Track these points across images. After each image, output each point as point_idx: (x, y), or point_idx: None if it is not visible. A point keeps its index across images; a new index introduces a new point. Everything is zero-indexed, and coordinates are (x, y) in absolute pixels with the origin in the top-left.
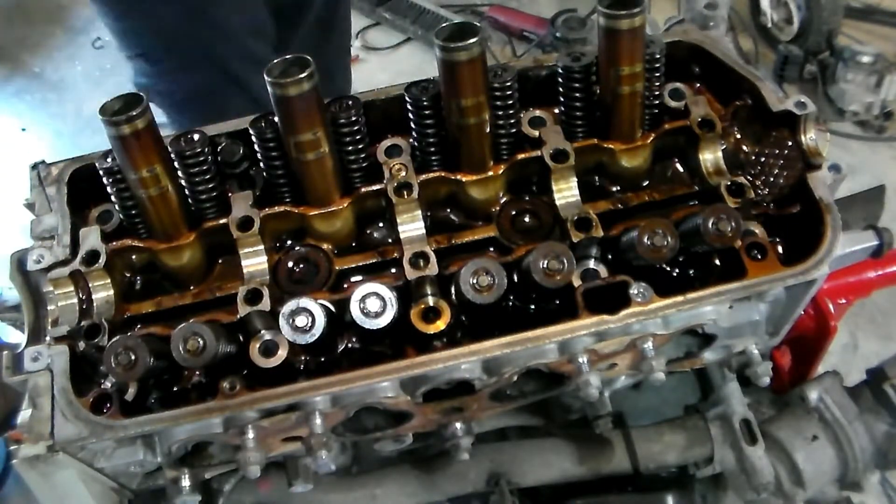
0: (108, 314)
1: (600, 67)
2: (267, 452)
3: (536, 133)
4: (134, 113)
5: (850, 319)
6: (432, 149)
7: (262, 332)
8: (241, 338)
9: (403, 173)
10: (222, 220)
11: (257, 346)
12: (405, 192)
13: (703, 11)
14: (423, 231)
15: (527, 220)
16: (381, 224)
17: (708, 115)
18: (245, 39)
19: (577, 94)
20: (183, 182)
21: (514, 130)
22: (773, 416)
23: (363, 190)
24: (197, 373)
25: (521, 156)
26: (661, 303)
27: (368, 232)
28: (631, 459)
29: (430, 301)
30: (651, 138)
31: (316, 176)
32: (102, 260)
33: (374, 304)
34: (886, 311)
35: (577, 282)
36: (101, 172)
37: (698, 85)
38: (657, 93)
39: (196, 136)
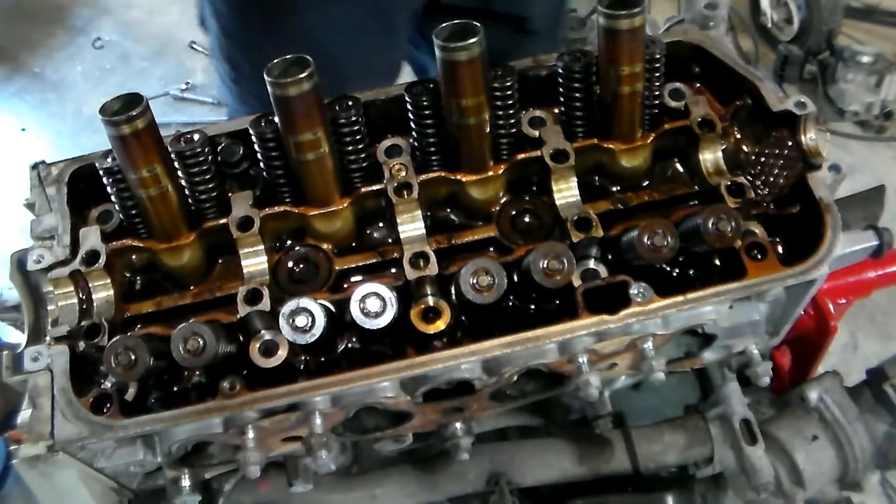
0: (108, 314)
1: (600, 67)
2: (267, 452)
3: (536, 133)
4: (134, 113)
5: (850, 319)
6: (432, 149)
7: (262, 332)
8: (241, 338)
9: (403, 173)
10: (222, 220)
11: (257, 346)
12: (405, 192)
13: (703, 11)
14: (423, 231)
15: (527, 220)
16: (381, 224)
17: (708, 115)
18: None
19: (577, 94)
20: (183, 182)
21: (514, 130)
22: (773, 416)
23: (363, 190)
24: (197, 373)
25: (521, 156)
26: (661, 303)
27: (368, 232)
28: (631, 459)
29: (430, 301)
30: (651, 138)
31: (316, 176)
32: (102, 260)
33: (374, 304)
34: (886, 311)
35: (577, 282)
36: (101, 172)
37: (698, 85)
38: (657, 93)
39: (196, 136)
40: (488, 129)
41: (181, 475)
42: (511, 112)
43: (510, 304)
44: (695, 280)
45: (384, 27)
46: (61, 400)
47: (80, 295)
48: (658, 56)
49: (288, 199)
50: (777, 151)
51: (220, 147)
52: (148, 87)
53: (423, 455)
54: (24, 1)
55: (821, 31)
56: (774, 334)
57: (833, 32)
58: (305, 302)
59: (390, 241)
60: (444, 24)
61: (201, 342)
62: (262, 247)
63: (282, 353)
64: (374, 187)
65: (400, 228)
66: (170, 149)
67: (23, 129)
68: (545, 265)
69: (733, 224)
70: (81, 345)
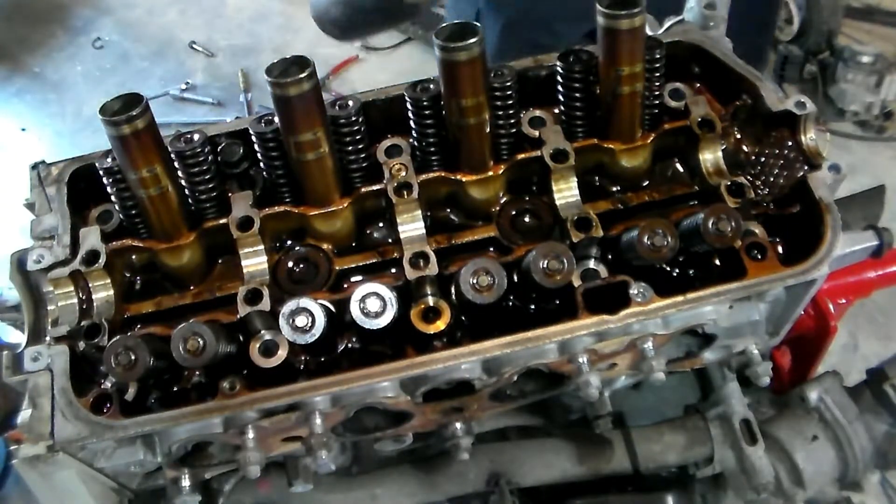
0: (108, 314)
1: (600, 67)
2: (267, 452)
3: (536, 133)
4: (134, 113)
5: (850, 319)
6: (432, 149)
7: (262, 332)
8: (241, 338)
9: (403, 173)
10: (222, 220)
11: (257, 346)
12: (405, 192)
13: (703, 11)
14: (423, 231)
15: (527, 220)
16: (381, 224)
17: (708, 115)
18: None
19: (577, 94)
20: (183, 182)
21: (513, 130)
22: (773, 416)
23: (363, 190)
24: (197, 373)
25: (521, 156)
26: (661, 303)
27: (368, 232)
28: (631, 459)
29: (430, 301)
30: (651, 138)
31: (316, 176)
32: (102, 260)
33: (374, 304)
34: (886, 311)
35: (577, 282)
36: (101, 172)
37: (698, 85)
38: (657, 93)
39: (196, 136)
40: (488, 129)
41: (181, 475)
42: (511, 112)
43: (510, 304)
44: (695, 280)
45: None
46: (61, 400)
47: (80, 295)
48: (658, 56)
49: (288, 199)
50: (777, 151)
51: (220, 147)
52: (148, 87)
53: (423, 455)
54: (24, 1)
55: (821, 31)
56: (774, 334)
57: (833, 32)
58: (305, 302)
59: (390, 241)
60: (444, 24)
61: (201, 342)
62: (262, 247)
63: (282, 353)
64: (374, 187)
65: (400, 228)
66: (170, 149)
67: (23, 129)
68: (545, 265)
69: (733, 224)
70: (81, 345)
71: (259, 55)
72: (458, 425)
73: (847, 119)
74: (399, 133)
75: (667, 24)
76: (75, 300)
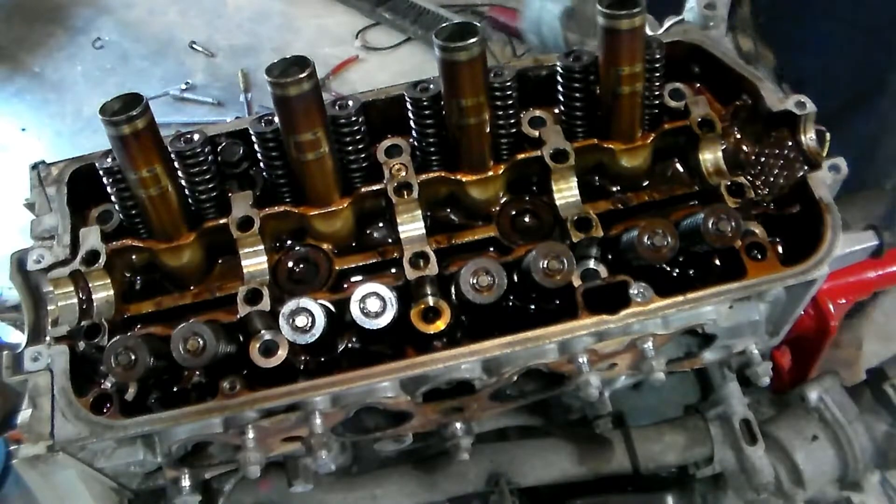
0: (108, 314)
1: (600, 67)
2: (267, 452)
3: (536, 133)
4: (134, 113)
5: None
6: (432, 149)
7: (262, 331)
8: (240, 338)
9: (403, 173)
10: (222, 220)
11: (257, 346)
12: (405, 192)
13: (703, 11)
14: (423, 231)
15: (527, 220)
16: (381, 224)
17: (708, 115)
18: None
19: (577, 94)
20: (183, 182)
21: (513, 130)
22: (773, 416)
23: (363, 190)
24: (197, 373)
25: (521, 156)
26: (661, 303)
27: (368, 232)
28: (631, 459)
29: (430, 301)
30: (651, 138)
31: (316, 176)
32: (102, 260)
33: (374, 304)
34: (886, 312)
35: (577, 282)
36: (101, 172)
37: (698, 85)
38: (657, 93)
39: (196, 136)
40: (488, 129)
41: (181, 475)
42: (511, 112)
43: (510, 303)
44: (695, 280)
45: None
46: (61, 400)
47: (80, 295)
48: (658, 56)
49: (288, 199)
50: (777, 151)
51: (220, 147)
52: (148, 87)
53: (423, 455)
54: (24, 1)
55: None
56: (774, 334)
57: None
58: (305, 302)
59: (390, 241)
60: (444, 25)
61: (201, 342)
62: (262, 247)
63: (282, 353)
64: (374, 187)
65: (400, 228)
66: (170, 148)
67: (23, 129)
68: (545, 265)
69: (733, 224)
70: (81, 345)
71: (259, 55)
72: (457, 425)
73: None
74: (399, 133)
75: (667, 24)
76: (75, 300)
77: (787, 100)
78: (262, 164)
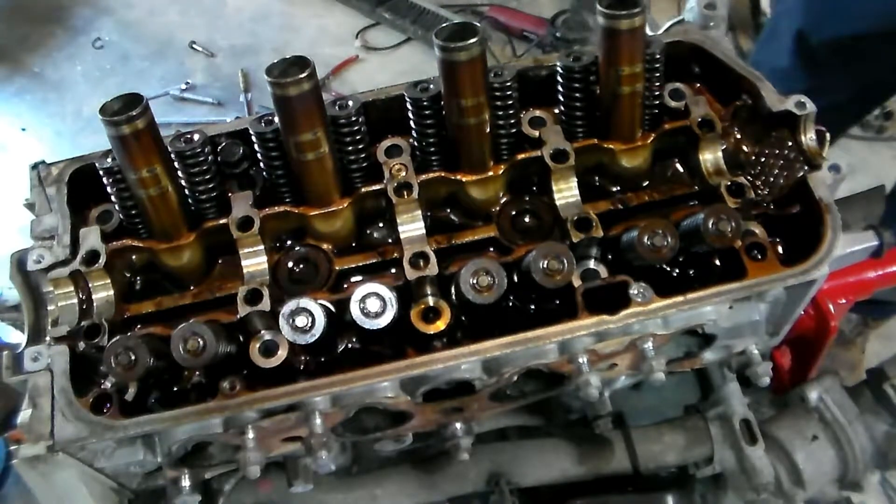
0: (108, 314)
1: (600, 68)
2: (267, 452)
3: (536, 133)
4: (134, 113)
5: None
6: (432, 149)
7: (262, 332)
8: (241, 338)
9: (403, 173)
10: (222, 220)
11: (257, 346)
12: (405, 192)
13: (703, 11)
14: (423, 231)
15: (527, 220)
16: (381, 224)
17: (708, 116)
18: None
19: (577, 95)
20: (183, 182)
21: (514, 130)
22: (773, 416)
23: (363, 190)
24: (197, 373)
25: (521, 156)
26: (661, 303)
27: (368, 232)
28: (631, 459)
29: (431, 301)
30: (651, 138)
31: (316, 176)
32: (102, 260)
33: (374, 304)
34: None
35: (577, 282)
36: (101, 172)
37: (698, 85)
38: (657, 93)
39: (196, 136)
40: (488, 129)
41: (181, 475)
42: (511, 112)
43: (510, 303)
44: (695, 280)
45: None
46: (61, 400)
47: (80, 295)
48: (658, 56)
49: (288, 199)
50: (777, 151)
51: (220, 147)
52: (148, 87)
53: (423, 455)
54: (24, 1)
55: None
56: (774, 334)
57: None
58: (305, 302)
59: (390, 241)
60: (444, 25)
61: (201, 342)
62: (262, 247)
63: (282, 353)
64: (374, 187)
65: (400, 229)
66: (170, 148)
67: (23, 129)
68: (545, 265)
69: (733, 224)
70: (81, 345)
71: (259, 55)
72: (457, 425)
73: None
74: (399, 133)
75: (667, 24)
76: (75, 300)
77: (787, 100)
78: (262, 164)
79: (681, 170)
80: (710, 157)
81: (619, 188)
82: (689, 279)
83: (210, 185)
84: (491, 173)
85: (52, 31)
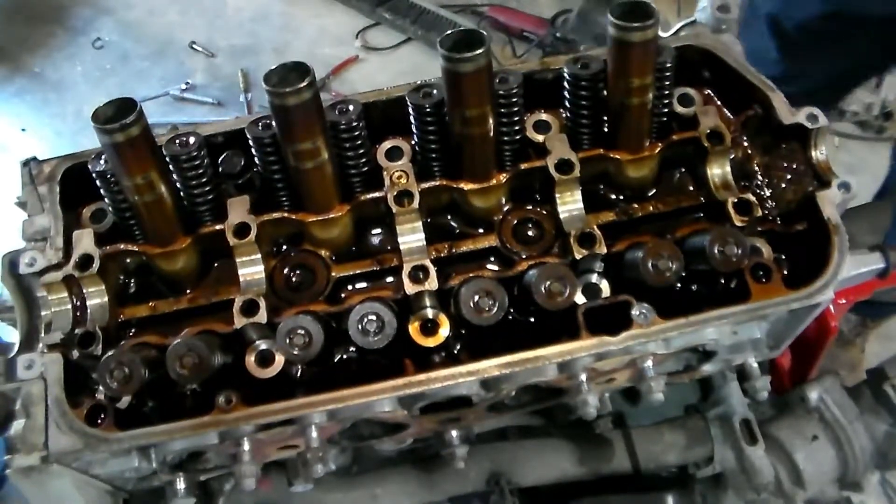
0: (102, 320)
1: (609, 78)
2: (263, 460)
3: (541, 138)
4: (128, 120)
5: None
6: (434, 154)
7: (258, 342)
8: (237, 347)
9: (404, 181)
10: (218, 227)
11: (253, 357)
12: (406, 201)
13: (715, 14)
14: (423, 242)
15: (529, 230)
16: (380, 230)
17: (717, 128)
18: None
19: (584, 103)
20: (178, 185)
21: (518, 137)
22: (773, 416)
23: (362, 198)
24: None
25: (524, 165)
26: (663, 325)
27: (367, 237)
28: (631, 459)
29: (430, 314)
30: (658, 148)
31: (315, 184)
32: (96, 265)
33: (372, 324)
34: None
35: (579, 297)
36: (94, 175)
37: (708, 91)
38: (666, 101)
39: (192, 139)
40: (492, 137)
41: (176, 479)
42: (516, 119)
43: (510, 316)
44: (698, 297)
45: None
46: (55, 410)
47: (74, 301)
48: (669, 64)
49: (286, 204)
50: (786, 164)
51: (221, 158)
52: (148, 87)
53: (423, 454)
54: (24, 1)
55: None
56: (775, 348)
57: None
58: (303, 320)
59: (389, 248)
60: (448, 33)
61: (196, 359)
62: (258, 255)
63: (277, 364)
64: (375, 195)
65: (400, 239)
66: (165, 151)
67: (23, 130)
68: (547, 287)
69: (739, 250)
70: (75, 353)
71: (259, 55)
72: (454, 433)
73: (847, 119)
74: (400, 133)
75: (678, 25)
76: (69, 306)
77: (799, 112)
78: (259, 168)
79: (688, 179)
80: (718, 171)
81: (623, 197)
82: (692, 295)
83: (206, 189)
84: (494, 182)
85: (52, 31)
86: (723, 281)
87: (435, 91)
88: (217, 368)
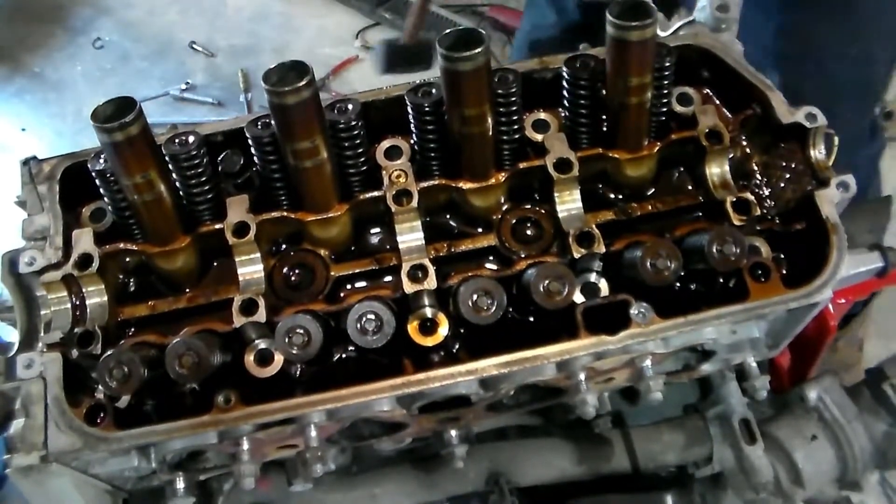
0: (102, 319)
1: (608, 77)
2: (262, 459)
3: (540, 137)
4: (127, 119)
5: None
6: (433, 154)
7: (257, 341)
8: (236, 346)
9: (403, 180)
10: (217, 225)
11: (252, 355)
12: (404, 200)
13: (715, 13)
14: (422, 242)
15: (528, 229)
16: (379, 229)
17: (716, 127)
18: None
19: (583, 102)
20: (178, 184)
21: (517, 137)
22: (772, 415)
23: (361, 197)
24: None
25: (523, 164)
26: (662, 324)
27: (366, 236)
28: (630, 459)
29: (428, 313)
30: (657, 147)
31: (314, 183)
32: (95, 264)
33: (371, 323)
34: (886, 312)
35: (577, 296)
36: (93, 174)
37: (707, 90)
38: (665, 100)
39: (191, 139)
40: (491, 135)
41: (176, 478)
42: (515, 118)
43: (509, 315)
44: (697, 296)
45: None
46: (54, 410)
47: (74, 300)
48: (668, 63)
49: (285, 203)
50: (785, 164)
51: (220, 157)
52: (148, 87)
53: (422, 454)
54: (24, 1)
55: None
56: (774, 347)
57: None
58: (301, 319)
59: (388, 247)
60: (447, 31)
61: (196, 358)
62: (258, 254)
63: (277, 363)
64: (373, 194)
65: (399, 238)
66: (164, 151)
67: (23, 130)
68: (545, 286)
69: (738, 249)
70: (74, 352)
71: (259, 55)
72: (453, 433)
73: None
74: (399, 132)
75: (677, 25)
76: (68, 305)
77: (798, 112)
78: (258, 167)
79: (686, 178)
80: (717, 170)
81: (622, 197)
82: (690, 294)
83: (205, 188)
84: (492, 181)
85: (52, 31)
86: (721, 280)
87: (434, 90)
88: (216, 368)
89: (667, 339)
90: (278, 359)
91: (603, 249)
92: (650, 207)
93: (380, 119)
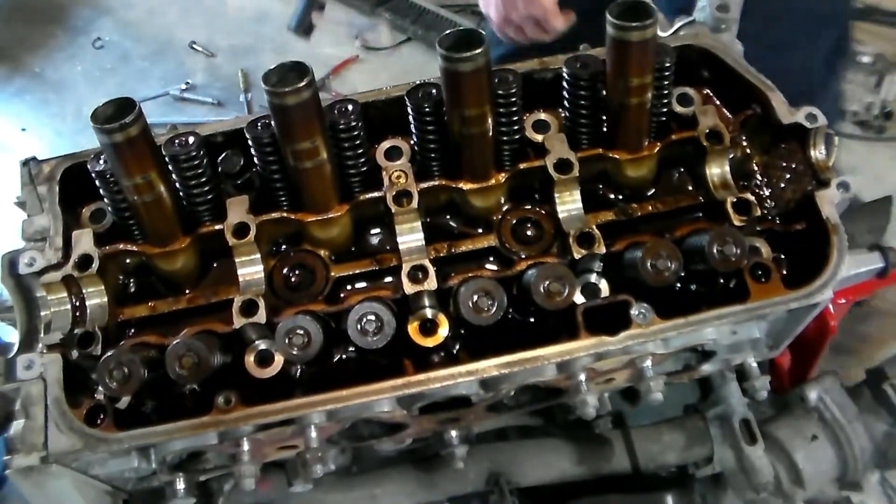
0: (102, 320)
1: (608, 77)
2: (262, 459)
3: (540, 138)
4: (127, 120)
5: None
6: (433, 154)
7: (258, 342)
8: (236, 347)
9: (403, 180)
10: (217, 226)
11: (252, 356)
12: (405, 201)
13: (714, 13)
14: (422, 242)
15: (528, 230)
16: (379, 229)
17: (716, 128)
18: None
19: (583, 102)
20: (178, 185)
21: (517, 137)
22: (772, 415)
23: (361, 198)
24: None
25: (523, 165)
26: (662, 325)
27: (366, 237)
28: (631, 459)
29: (429, 314)
30: (657, 148)
31: (314, 183)
32: (95, 265)
33: (371, 324)
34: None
35: (578, 297)
36: (93, 175)
37: (707, 91)
38: (665, 101)
39: (191, 139)
40: (491, 135)
41: (176, 479)
42: (515, 119)
43: (509, 315)
44: (697, 296)
45: None
46: (54, 411)
47: (74, 301)
48: (668, 64)
49: (285, 204)
50: (785, 164)
51: (221, 158)
52: (148, 87)
53: (422, 454)
54: (24, 1)
55: None
56: (774, 348)
57: None
58: (302, 320)
59: (388, 247)
60: (447, 32)
61: (196, 359)
62: (258, 255)
63: (277, 364)
64: (374, 195)
65: (399, 239)
66: (164, 151)
67: (23, 130)
68: (546, 287)
69: (738, 250)
70: (74, 353)
71: (259, 55)
72: (453, 433)
73: (847, 119)
74: (399, 132)
75: (677, 25)
76: (68, 306)
77: (798, 112)
78: (258, 168)
79: (687, 178)
80: (717, 170)
81: (623, 197)
82: (691, 294)
83: (205, 189)
84: (493, 182)
85: (52, 31)
86: (722, 281)
87: (434, 91)
88: (216, 368)
89: (667, 339)
90: (278, 359)
91: (603, 250)
92: (650, 208)
93: (380, 119)
